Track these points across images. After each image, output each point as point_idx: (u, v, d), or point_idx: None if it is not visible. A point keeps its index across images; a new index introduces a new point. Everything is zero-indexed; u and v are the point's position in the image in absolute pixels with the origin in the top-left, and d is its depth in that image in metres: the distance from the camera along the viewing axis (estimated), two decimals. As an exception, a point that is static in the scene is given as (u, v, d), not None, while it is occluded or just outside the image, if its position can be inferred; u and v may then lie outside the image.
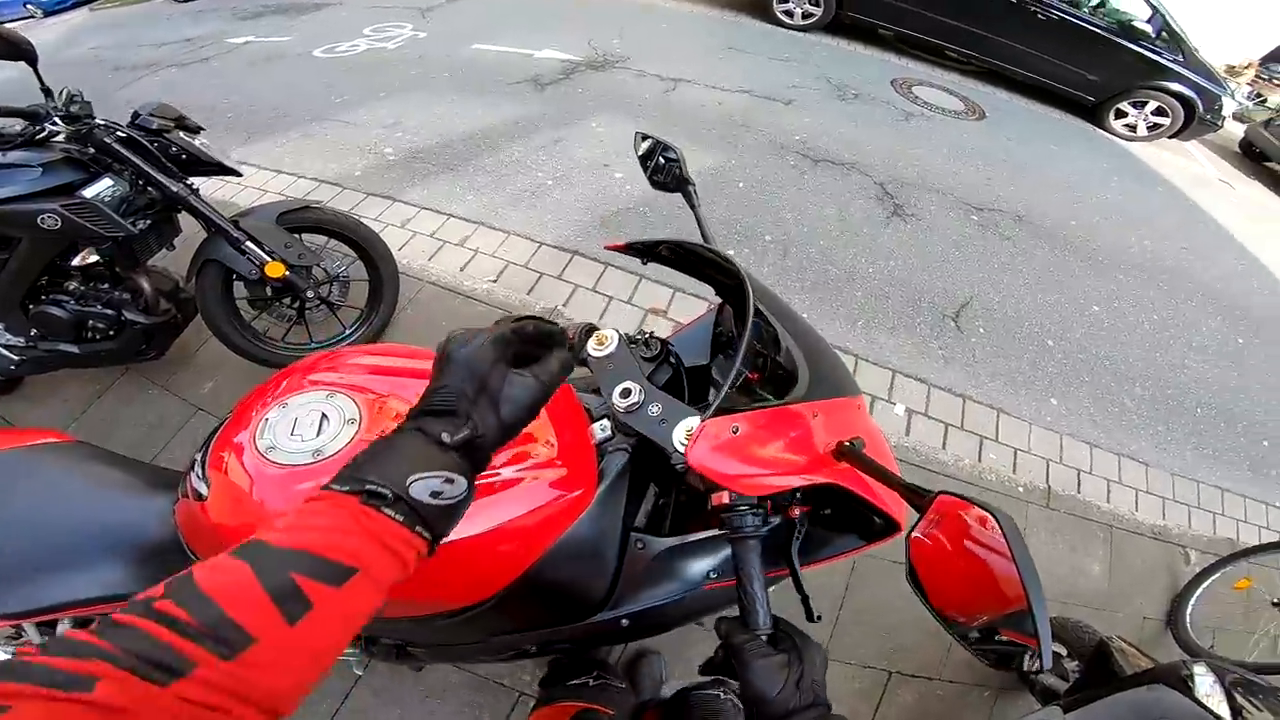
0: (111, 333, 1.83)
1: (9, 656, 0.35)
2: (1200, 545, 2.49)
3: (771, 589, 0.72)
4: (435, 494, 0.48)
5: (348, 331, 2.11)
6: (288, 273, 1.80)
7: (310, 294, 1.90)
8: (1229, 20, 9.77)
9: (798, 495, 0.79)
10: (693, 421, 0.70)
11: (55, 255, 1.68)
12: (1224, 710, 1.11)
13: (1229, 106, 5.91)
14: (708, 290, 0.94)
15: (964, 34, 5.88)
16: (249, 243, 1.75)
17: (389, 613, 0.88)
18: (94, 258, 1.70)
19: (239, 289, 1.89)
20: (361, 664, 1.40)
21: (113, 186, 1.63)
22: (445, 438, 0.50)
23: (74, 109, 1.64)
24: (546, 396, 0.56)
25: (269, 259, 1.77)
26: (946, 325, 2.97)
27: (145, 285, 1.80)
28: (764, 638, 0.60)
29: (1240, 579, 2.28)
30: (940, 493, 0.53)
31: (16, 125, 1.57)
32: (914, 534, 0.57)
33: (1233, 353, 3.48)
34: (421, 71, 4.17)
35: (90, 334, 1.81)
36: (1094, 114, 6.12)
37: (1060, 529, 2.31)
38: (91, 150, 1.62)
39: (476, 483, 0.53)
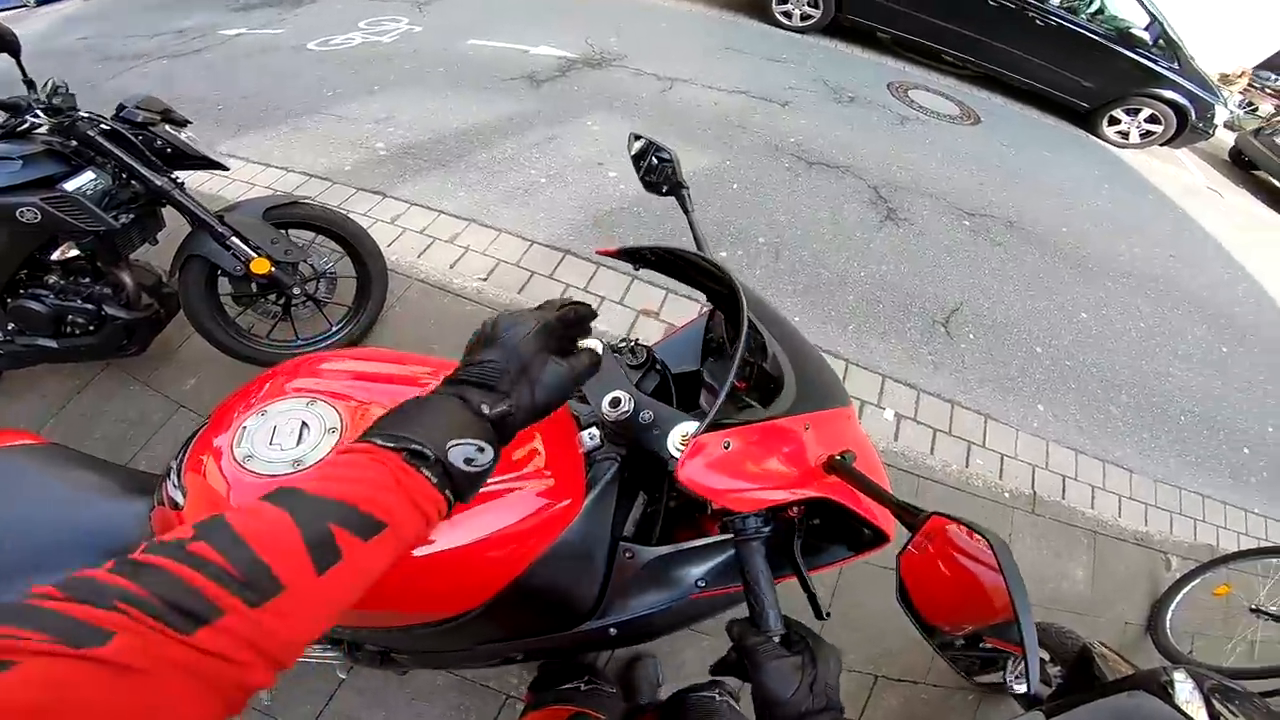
0: (91, 328, 1.80)
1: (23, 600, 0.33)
2: (1181, 551, 2.51)
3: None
4: (469, 460, 0.50)
5: (334, 329, 2.08)
6: (273, 269, 1.78)
7: (296, 291, 1.88)
8: (1225, 28, 9.84)
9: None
10: (688, 426, 0.70)
11: (34, 249, 1.65)
12: (1202, 716, 1.13)
13: (1221, 115, 5.95)
14: (700, 293, 0.94)
15: (962, 38, 5.88)
16: (234, 238, 1.72)
17: (375, 623, 0.89)
18: (74, 252, 1.67)
19: (223, 285, 1.86)
20: (344, 667, 1.39)
21: (95, 180, 1.61)
22: (485, 409, 0.52)
23: (56, 101, 1.62)
24: (576, 387, 0.60)
25: (254, 255, 1.75)
26: (936, 331, 2.98)
27: (127, 280, 1.78)
28: (776, 639, 0.60)
29: (1219, 585, 2.31)
30: (933, 514, 0.53)
31: (-2, 117, 1.55)
32: (904, 552, 0.57)
33: (1216, 361, 3.51)
34: (416, 66, 4.13)
35: (69, 329, 1.79)
36: (1087, 120, 6.15)
37: (1045, 535, 2.33)
38: (74, 143, 1.59)
39: None
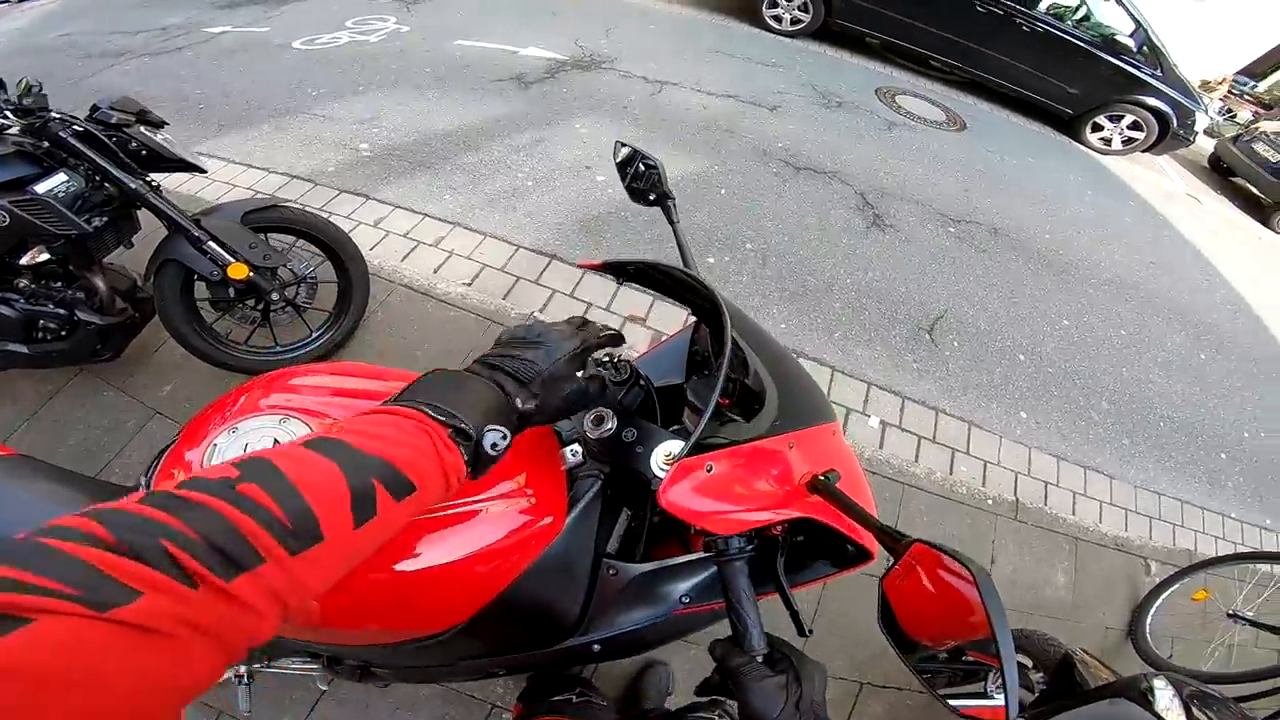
0: (64, 333, 1.75)
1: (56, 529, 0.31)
2: (1160, 556, 2.55)
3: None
4: (494, 445, 0.54)
5: (314, 335, 2.05)
6: (251, 274, 1.75)
7: (275, 296, 1.85)
8: (1206, 35, 10.02)
9: None
10: (672, 446, 0.70)
11: (3, 252, 1.60)
12: None
13: (1202, 122, 6.05)
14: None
15: (950, 44, 5.94)
16: (211, 242, 1.69)
17: (355, 641, 0.87)
18: (45, 256, 1.63)
19: (200, 289, 1.82)
20: (325, 678, 1.37)
21: (67, 182, 1.57)
22: (518, 402, 0.58)
23: (28, 101, 1.58)
24: (585, 404, 0.66)
25: (232, 260, 1.72)
26: (921, 338, 3.00)
27: (100, 284, 1.74)
28: (760, 658, 0.60)
29: (1198, 590, 2.35)
30: (915, 541, 0.53)
31: (-36, 118, 1.51)
32: (887, 576, 0.57)
33: (1195, 368, 3.57)
34: (402, 66, 4.09)
35: (41, 334, 1.74)
36: (1071, 127, 6.23)
37: (1027, 541, 2.35)
38: (45, 144, 1.55)
39: (443, 511, 0.63)
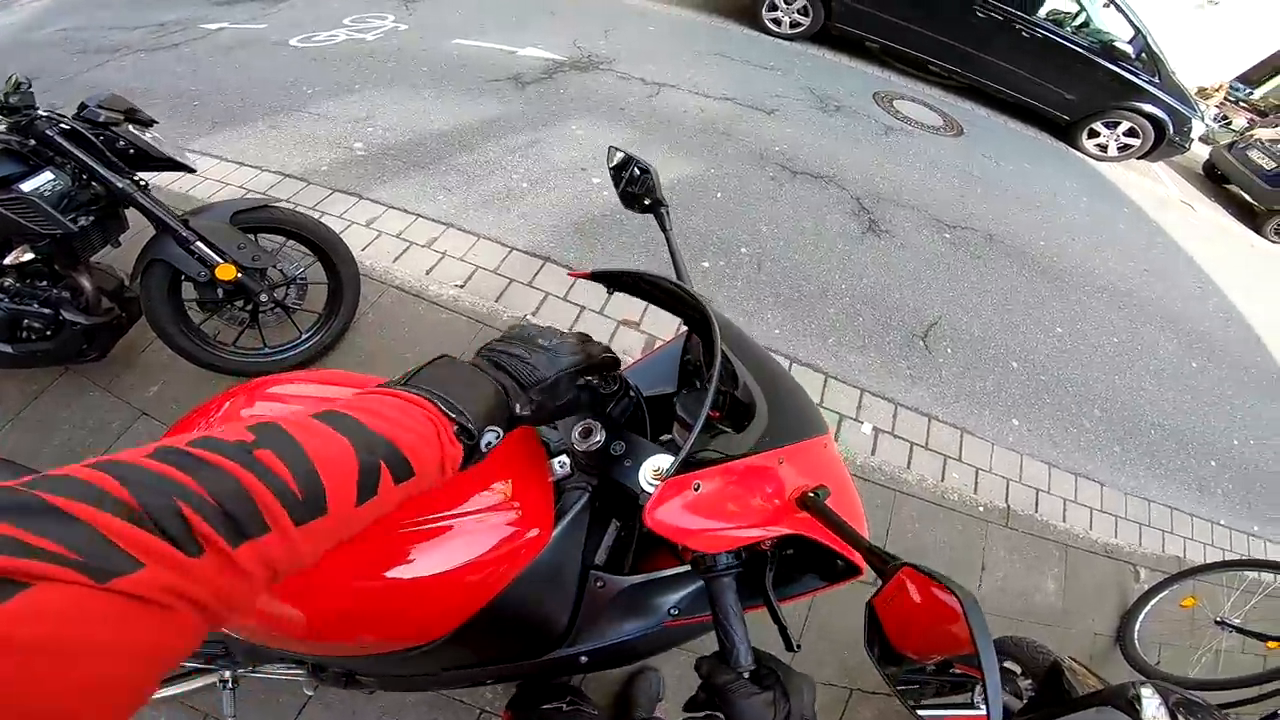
0: (49, 332, 1.74)
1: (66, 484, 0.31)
2: (1149, 563, 2.55)
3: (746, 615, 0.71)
4: (488, 444, 0.55)
5: (304, 337, 2.04)
6: (240, 275, 1.74)
7: (264, 298, 1.84)
8: (1204, 41, 10.06)
9: None
10: (661, 460, 0.69)
11: (-13, 251, 1.59)
12: None
13: (1197, 129, 6.06)
14: None
15: (949, 49, 5.94)
16: (199, 243, 1.68)
17: (339, 652, 0.87)
18: (29, 256, 1.62)
19: (188, 290, 1.81)
20: (311, 684, 1.36)
21: (53, 181, 1.56)
22: (516, 407, 0.59)
23: (15, 99, 1.56)
24: (575, 411, 0.69)
25: (220, 260, 1.70)
26: (915, 344, 3.00)
27: (86, 284, 1.72)
28: (747, 675, 0.59)
29: (1186, 597, 2.36)
30: (902, 565, 0.52)
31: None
32: (875, 598, 0.56)
33: (1187, 375, 3.58)
34: (399, 65, 4.07)
35: (25, 334, 1.73)
36: (1067, 133, 6.25)
37: (1018, 548, 2.35)
38: (32, 142, 1.54)
39: (427, 524, 0.65)
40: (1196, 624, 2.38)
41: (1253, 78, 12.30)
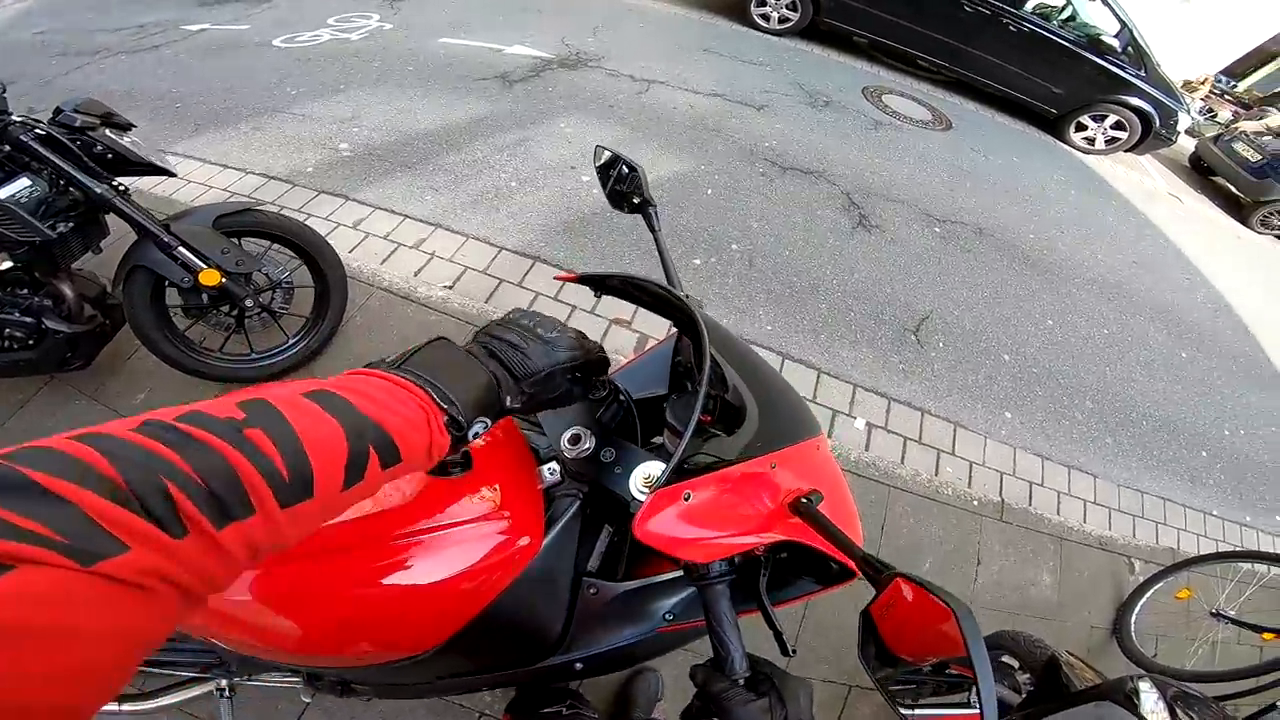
0: (31, 342, 1.71)
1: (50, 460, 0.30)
2: (1144, 555, 2.57)
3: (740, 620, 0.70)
4: (475, 434, 0.55)
5: (291, 341, 2.01)
6: (224, 280, 1.71)
7: (250, 302, 1.81)
8: (1190, 35, 10.14)
9: None
10: (651, 467, 0.69)
11: (-36, 260, 1.56)
12: None
13: (1184, 122, 6.10)
14: None
15: (937, 44, 5.95)
16: (181, 248, 1.65)
17: (331, 664, 0.85)
18: (7, 264, 1.58)
19: (173, 296, 1.78)
20: (308, 692, 1.35)
21: (30, 187, 1.52)
22: (508, 400, 0.59)
23: (-11, 106, 1.52)
24: (566, 403, 0.69)
25: (204, 265, 1.67)
26: (907, 339, 3.00)
27: (67, 291, 1.69)
28: (742, 682, 0.59)
29: (1181, 589, 2.37)
30: (896, 575, 0.51)
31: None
32: (870, 606, 0.56)
33: (1177, 366, 3.61)
34: (385, 64, 4.03)
35: (7, 343, 1.69)
36: (1055, 127, 6.28)
37: (1013, 541, 2.36)
38: (6, 148, 1.50)
39: (418, 535, 0.65)
40: (1192, 616, 2.39)
41: (1237, 71, 12.43)
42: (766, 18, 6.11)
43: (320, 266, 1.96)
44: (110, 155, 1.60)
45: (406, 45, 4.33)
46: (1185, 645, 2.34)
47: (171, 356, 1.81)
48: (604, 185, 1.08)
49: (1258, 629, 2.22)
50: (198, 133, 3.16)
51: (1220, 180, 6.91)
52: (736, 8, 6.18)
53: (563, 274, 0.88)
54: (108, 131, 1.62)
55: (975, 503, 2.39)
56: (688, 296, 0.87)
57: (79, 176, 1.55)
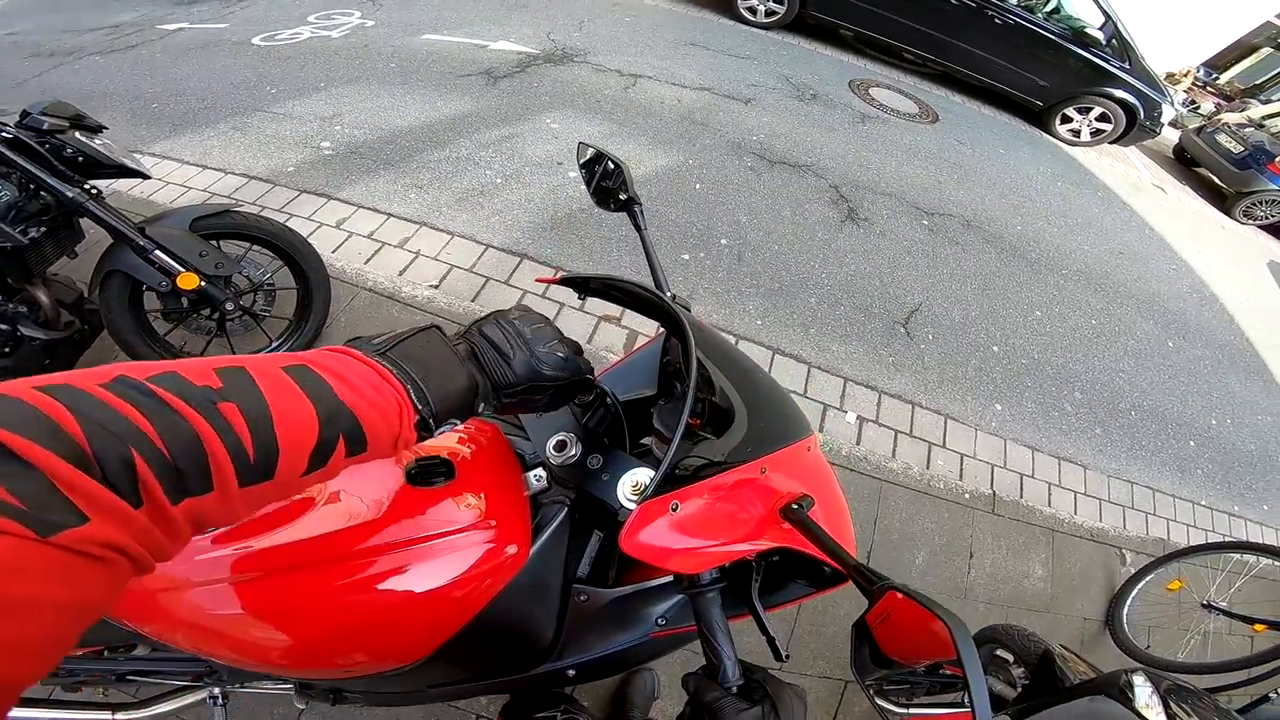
0: (7, 349, 1.67)
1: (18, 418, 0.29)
2: (1135, 546, 2.59)
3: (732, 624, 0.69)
4: (441, 431, 0.53)
5: (274, 344, 1.98)
6: (203, 284, 1.67)
7: (230, 306, 1.78)
8: (1172, 27, 10.23)
9: None
10: (640, 474, 0.67)
11: (-69, 267, 1.51)
12: (1161, 719, 1.15)
13: (1168, 114, 6.16)
14: None
15: (924, 37, 5.96)
16: (158, 251, 1.61)
17: (322, 676, 0.83)
18: (-23, 270, 1.54)
19: (151, 300, 1.74)
20: (302, 699, 1.34)
21: (-2, 191, 1.48)
22: (481, 407, 0.57)
23: (-50, 108, 1.48)
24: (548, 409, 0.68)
25: (181, 269, 1.64)
26: (897, 332, 3.00)
27: (43, 297, 1.65)
28: (735, 690, 0.58)
29: (1172, 580, 2.38)
30: (890, 588, 0.50)
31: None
32: (865, 615, 0.54)
33: (1163, 356, 3.64)
34: (367, 62, 3.97)
35: (-20, 351, 1.65)
36: (1040, 119, 6.32)
37: (1004, 534, 2.37)
38: (-29, 153, 1.46)
39: (403, 546, 0.65)
40: (1183, 607, 2.41)
41: (1219, 63, 12.56)
42: (753, 11, 6.09)
43: (302, 268, 1.92)
44: (81, 158, 1.56)
45: (389, 42, 4.27)
46: (1178, 636, 2.36)
47: (151, 362, 1.77)
48: (588, 183, 1.06)
49: (1248, 620, 2.24)
50: (176, 133, 3.10)
51: (1203, 171, 6.99)
52: (723, 1, 6.17)
53: (545, 276, 0.86)
54: (78, 134, 1.58)
55: (967, 496, 2.40)
56: (674, 297, 0.85)
57: (48, 180, 1.50)
